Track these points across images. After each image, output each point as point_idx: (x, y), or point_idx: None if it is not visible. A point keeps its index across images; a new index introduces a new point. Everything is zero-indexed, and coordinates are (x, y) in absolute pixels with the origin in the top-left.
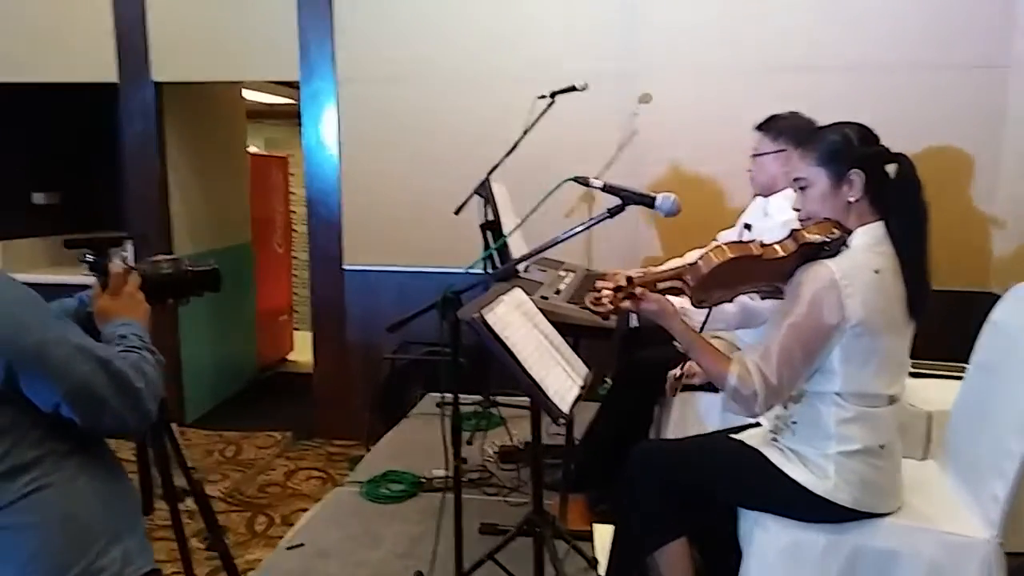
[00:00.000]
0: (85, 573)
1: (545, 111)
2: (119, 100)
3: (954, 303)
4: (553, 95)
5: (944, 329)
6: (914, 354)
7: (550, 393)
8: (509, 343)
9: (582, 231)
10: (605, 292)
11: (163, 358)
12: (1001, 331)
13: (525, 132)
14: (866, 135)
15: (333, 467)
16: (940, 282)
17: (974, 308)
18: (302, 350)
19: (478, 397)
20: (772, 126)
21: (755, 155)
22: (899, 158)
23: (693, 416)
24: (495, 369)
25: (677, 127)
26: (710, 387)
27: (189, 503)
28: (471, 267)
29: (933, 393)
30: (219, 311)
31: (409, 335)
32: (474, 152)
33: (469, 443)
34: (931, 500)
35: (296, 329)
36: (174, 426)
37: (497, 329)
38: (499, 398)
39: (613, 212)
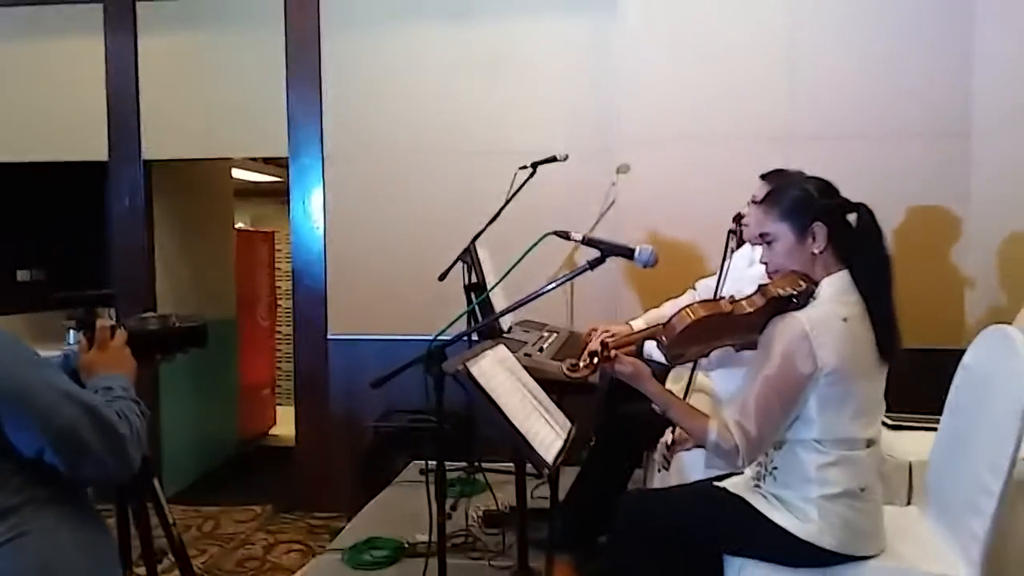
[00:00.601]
0: None
1: (527, 181)
2: (108, 177)
3: (930, 361)
4: (534, 165)
5: (920, 385)
6: (893, 408)
7: (535, 444)
8: (493, 395)
9: (563, 283)
10: (583, 358)
11: (148, 410)
12: (972, 373)
13: (507, 201)
14: (825, 188)
15: (314, 539)
16: (916, 340)
17: (949, 365)
18: (284, 424)
19: (463, 463)
20: (777, 178)
21: (755, 202)
22: (859, 208)
23: (676, 471)
24: (480, 435)
25: (655, 196)
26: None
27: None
28: (452, 322)
29: (912, 444)
30: (201, 384)
31: (393, 403)
32: (457, 222)
33: (454, 509)
34: (913, 543)
35: (279, 404)
36: (156, 483)
37: (482, 381)
38: (484, 464)
39: (593, 264)
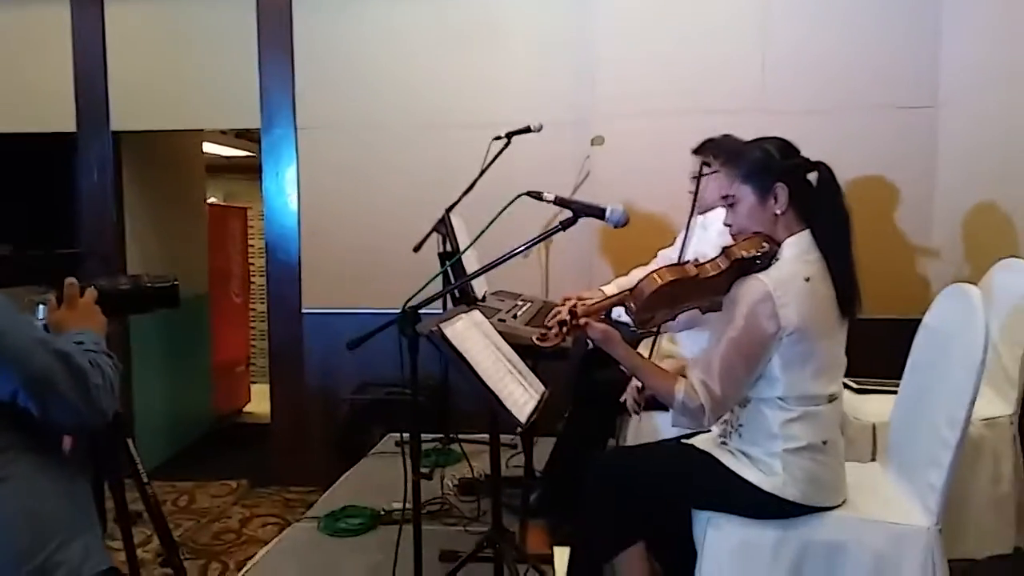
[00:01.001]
0: (44, 565)
1: (501, 151)
2: (77, 150)
3: (895, 329)
4: (509, 136)
5: (886, 352)
6: (859, 374)
7: (508, 403)
8: (467, 356)
9: (536, 244)
10: (552, 326)
11: (120, 364)
12: (932, 332)
13: (482, 171)
14: (786, 148)
15: (290, 513)
16: (881, 310)
17: (913, 334)
18: (259, 402)
19: (439, 435)
20: (708, 149)
21: (694, 176)
22: (819, 166)
23: (650, 433)
24: (455, 406)
25: (629, 168)
26: None
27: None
28: (426, 285)
29: (876, 406)
30: (174, 361)
31: (368, 376)
32: (432, 195)
33: (429, 478)
34: (874, 495)
35: (253, 382)
36: (131, 444)
37: (455, 342)
38: (460, 436)
39: (565, 224)
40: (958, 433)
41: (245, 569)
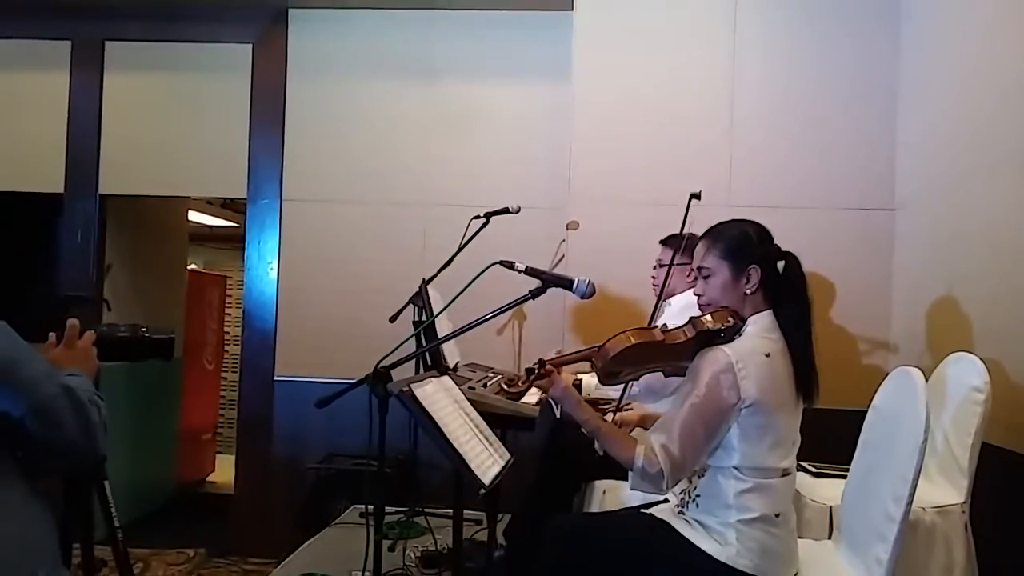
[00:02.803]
0: None
1: (480, 230)
2: (62, 211)
3: (855, 420)
4: (488, 215)
5: (844, 442)
6: (817, 460)
7: (472, 465)
8: (435, 417)
9: (505, 311)
10: (520, 375)
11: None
12: (880, 412)
13: (460, 247)
14: (763, 233)
15: None
16: (841, 401)
17: None
18: (223, 471)
19: (403, 508)
20: (674, 243)
21: (661, 267)
22: (787, 256)
23: (614, 503)
24: (421, 479)
25: (602, 253)
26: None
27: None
28: (399, 346)
29: (833, 491)
30: (140, 425)
31: (336, 447)
32: (409, 270)
33: (392, 550)
34: (825, 569)
35: (219, 451)
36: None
37: (425, 403)
38: (425, 509)
39: (535, 293)
40: (903, 508)
41: None
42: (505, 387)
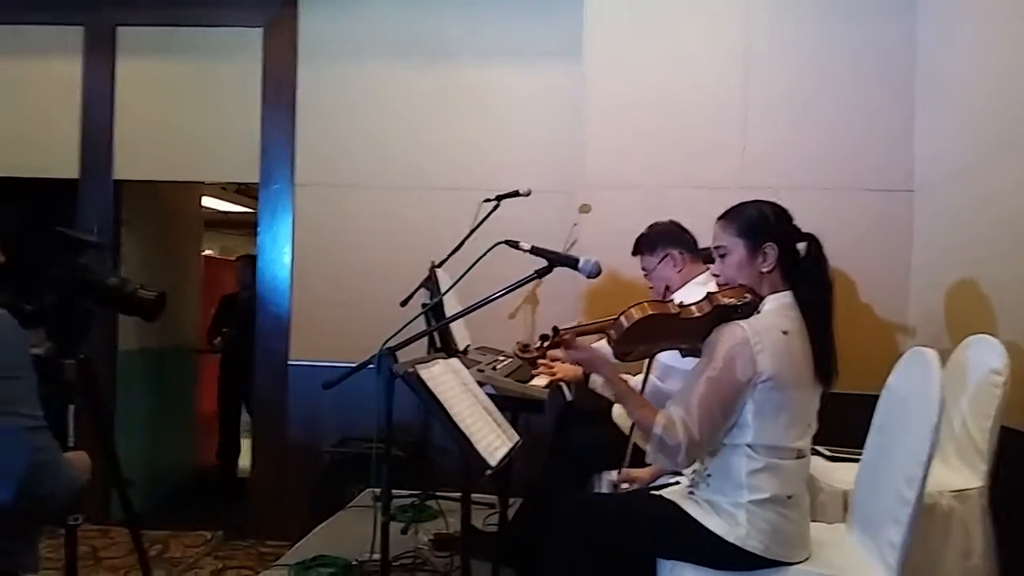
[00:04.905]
0: None
1: (490, 213)
2: (77, 196)
3: (868, 404)
4: (499, 198)
5: (859, 426)
6: (832, 444)
7: (478, 446)
8: (440, 398)
9: (512, 290)
10: (535, 340)
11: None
12: (893, 394)
13: (471, 231)
14: (781, 213)
15: (264, 566)
16: (857, 385)
17: None
18: (241, 456)
19: (416, 491)
20: (646, 243)
21: (648, 273)
22: (809, 238)
23: None
24: (434, 463)
25: (614, 237)
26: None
27: None
28: (404, 326)
29: (848, 475)
30: (159, 411)
31: (350, 430)
32: (421, 254)
33: (404, 532)
34: (838, 552)
35: None
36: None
37: (430, 385)
38: (437, 493)
39: (541, 273)
40: (916, 491)
41: None
42: (518, 352)
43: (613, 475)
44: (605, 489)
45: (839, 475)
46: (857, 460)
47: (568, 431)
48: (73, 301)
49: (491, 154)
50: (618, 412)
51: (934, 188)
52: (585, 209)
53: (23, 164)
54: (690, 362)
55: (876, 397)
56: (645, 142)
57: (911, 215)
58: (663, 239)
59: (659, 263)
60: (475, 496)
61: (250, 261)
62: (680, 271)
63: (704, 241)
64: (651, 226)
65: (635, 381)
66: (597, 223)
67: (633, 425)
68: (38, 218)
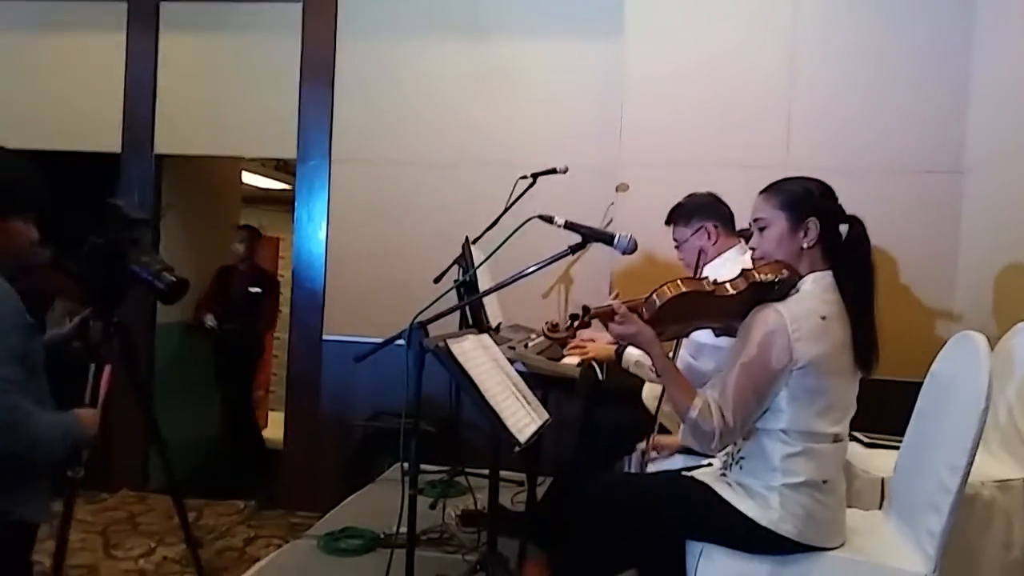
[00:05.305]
0: None
1: (527, 190)
2: (120, 171)
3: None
4: (534, 176)
5: (899, 415)
6: (874, 431)
7: (508, 423)
8: (470, 373)
9: (545, 266)
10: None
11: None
12: (937, 380)
13: (506, 208)
14: (826, 191)
15: (295, 536)
16: (901, 372)
17: None
18: (275, 429)
19: (446, 467)
20: (682, 213)
21: (680, 244)
22: (852, 219)
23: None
24: (464, 439)
25: (652, 216)
26: None
27: None
28: (436, 300)
29: (885, 461)
30: (195, 383)
31: (383, 405)
32: (456, 230)
33: (432, 507)
34: (874, 539)
35: (272, 409)
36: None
37: (460, 359)
38: (467, 469)
39: (574, 248)
40: (959, 479)
41: None
42: (547, 332)
43: (642, 445)
44: (635, 467)
45: (876, 462)
46: (895, 447)
47: (598, 411)
48: (110, 269)
49: (528, 131)
50: (648, 393)
51: (985, 169)
52: (623, 188)
53: (67, 138)
54: (724, 340)
55: (917, 384)
56: (686, 120)
57: (960, 197)
58: (700, 211)
59: (693, 234)
60: (504, 474)
61: (249, 232)
62: (714, 243)
63: (743, 222)
64: (688, 196)
65: None
66: (634, 201)
67: (659, 404)
68: (80, 192)
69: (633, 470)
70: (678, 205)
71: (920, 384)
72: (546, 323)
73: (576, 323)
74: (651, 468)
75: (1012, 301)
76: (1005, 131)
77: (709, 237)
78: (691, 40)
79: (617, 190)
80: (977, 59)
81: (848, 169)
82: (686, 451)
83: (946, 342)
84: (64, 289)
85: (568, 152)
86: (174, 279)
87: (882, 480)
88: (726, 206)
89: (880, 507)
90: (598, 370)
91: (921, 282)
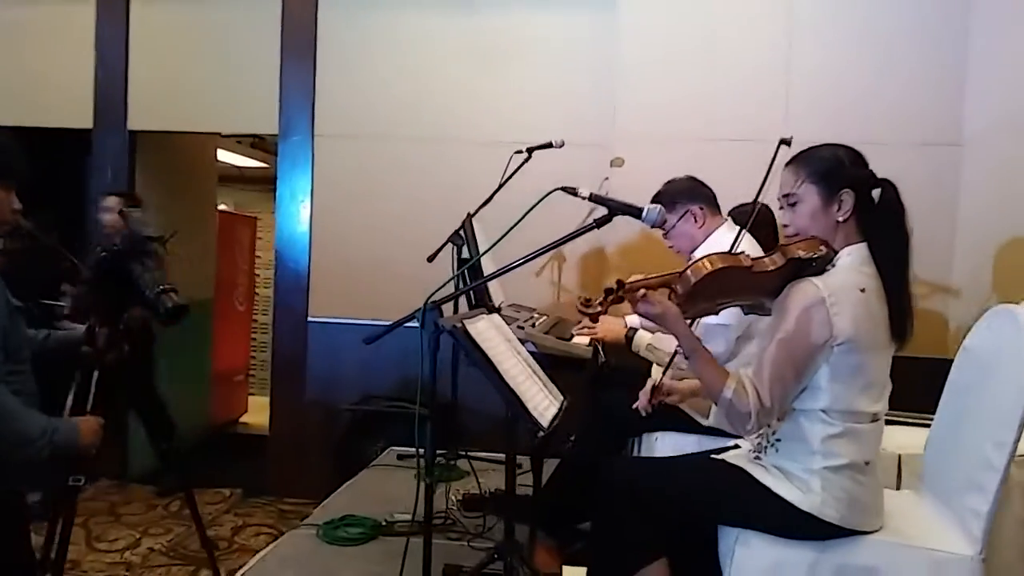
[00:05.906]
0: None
1: (521, 165)
2: (91, 147)
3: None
4: (530, 150)
5: (905, 391)
6: None
7: (530, 407)
8: (490, 355)
9: (567, 242)
10: (598, 296)
11: None
12: (974, 354)
13: (502, 183)
14: (856, 156)
15: (284, 524)
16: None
17: (932, 373)
18: (256, 413)
19: (443, 451)
20: (665, 201)
21: (668, 232)
22: (884, 183)
23: (671, 450)
24: (462, 423)
25: (648, 190)
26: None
27: None
28: (446, 283)
29: (900, 438)
30: (172, 366)
31: (370, 388)
32: (448, 210)
33: (433, 491)
34: (912, 521)
35: (251, 393)
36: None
37: (478, 340)
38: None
39: (600, 222)
40: (1006, 456)
41: (242, 572)
42: (580, 307)
43: (651, 380)
44: (645, 447)
45: (892, 439)
46: (904, 423)
47: (605, 394)
48: (117, 281)
49: (519, 105)
50: (658, 376)
51: (984, 142)
52: (617, 162)
53: (36, 114)
54: (731, 316)
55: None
56: (681, 94)
57: (958, 170)
58: (682, 195)
59: (679, 220)
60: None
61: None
62: (701, 226)
63: (745, 196)
64: (667, 183)
65: (670, 342)
66: (629, 176)
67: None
68: (53, 169)
69: (642, 453)
70: (659, 193)
71: (919, 359)
72: (580, 297)
73: (611, 297)
74: (659, 446)
75: (1012, 276)
76: (1003, 104)
77: (696, 220)
78: (686, 13)
79: (612, 164)
80: (976, 32)
81: (846, 142)
82: (697, 428)
83: (946, 319)
84: (68, 269)
85: (561, 127)
86: (172, 304)
87: (899, 456)
88: (706, 187)
89: (897, 483)
90: (601, 352)
91: (917, 257)
